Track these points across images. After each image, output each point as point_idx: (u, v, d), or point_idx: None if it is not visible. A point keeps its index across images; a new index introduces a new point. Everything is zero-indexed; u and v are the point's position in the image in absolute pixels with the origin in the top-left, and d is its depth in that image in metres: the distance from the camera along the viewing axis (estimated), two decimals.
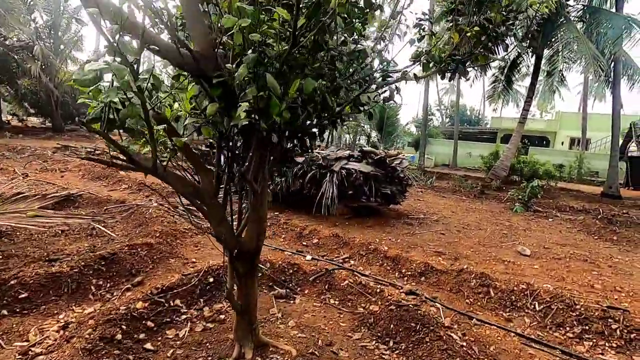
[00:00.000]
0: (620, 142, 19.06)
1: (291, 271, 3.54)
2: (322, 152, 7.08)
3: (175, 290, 2.95)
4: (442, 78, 2.57)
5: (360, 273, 3.96)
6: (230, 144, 2.11)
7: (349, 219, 6.43)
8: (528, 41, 16.75)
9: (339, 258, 4.33)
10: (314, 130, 2.17)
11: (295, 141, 2.15)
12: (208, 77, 1.69)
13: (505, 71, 18.61)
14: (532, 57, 17.08)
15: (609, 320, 3.04)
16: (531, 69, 17.43)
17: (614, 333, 2.95)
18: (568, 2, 15.11)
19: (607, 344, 2.89)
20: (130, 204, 5.67)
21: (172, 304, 2.83)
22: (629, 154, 18.61)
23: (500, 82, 19.15)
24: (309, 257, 4.28)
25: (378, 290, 3.22)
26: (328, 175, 6.19)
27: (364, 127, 19.39)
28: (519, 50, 17.72)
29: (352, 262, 4.25)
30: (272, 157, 2.17)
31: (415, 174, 15.01)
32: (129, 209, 5.43)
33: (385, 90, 2.21)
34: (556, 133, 30.52)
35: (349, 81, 2.10)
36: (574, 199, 13.55)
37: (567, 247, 5.86)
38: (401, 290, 3.54)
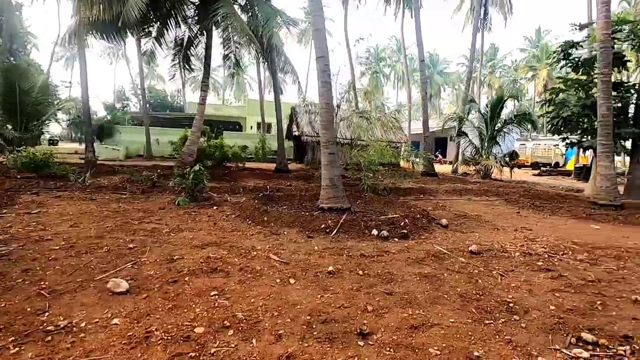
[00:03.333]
0: (286, 124, 22.51)
1: None
2: None
3: None
4: None
5: None
6: None
7: None
8: (197, 17, 15.89)
9: None
10: None
11: None
12: None
13: (183, 50, 17.37)
14: (205, 36, 16.51)
15: None
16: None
17: None
18: None
19: None
20: None
21: None
22: (293, 134, 22.32)
23: (179, 61, 17.93)
24: None
25: None
26: None
27: None
28: (194, 30, 16.83)
29: None
30: None
31: (68, 170, 10.74)
32: None
33: None
34: (246, 118, 33.65)
35: None
36: (255, 178, 14.02)
37: (207, 249, 4.40)
38: None
